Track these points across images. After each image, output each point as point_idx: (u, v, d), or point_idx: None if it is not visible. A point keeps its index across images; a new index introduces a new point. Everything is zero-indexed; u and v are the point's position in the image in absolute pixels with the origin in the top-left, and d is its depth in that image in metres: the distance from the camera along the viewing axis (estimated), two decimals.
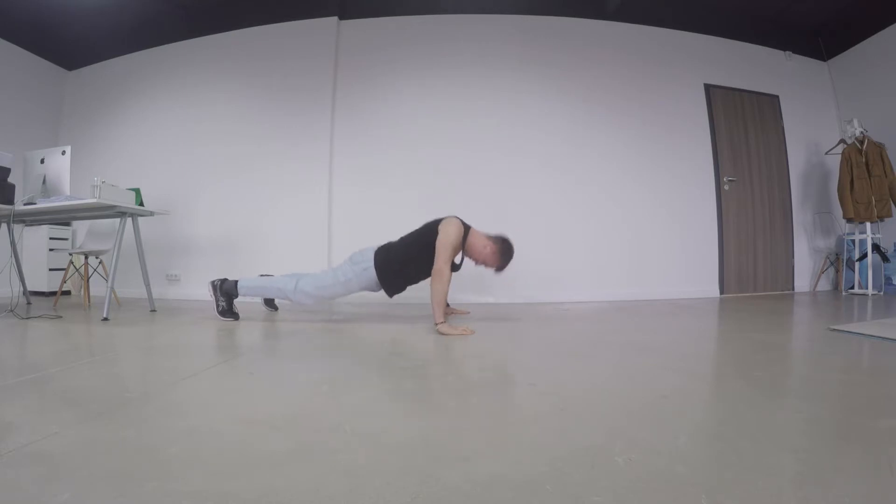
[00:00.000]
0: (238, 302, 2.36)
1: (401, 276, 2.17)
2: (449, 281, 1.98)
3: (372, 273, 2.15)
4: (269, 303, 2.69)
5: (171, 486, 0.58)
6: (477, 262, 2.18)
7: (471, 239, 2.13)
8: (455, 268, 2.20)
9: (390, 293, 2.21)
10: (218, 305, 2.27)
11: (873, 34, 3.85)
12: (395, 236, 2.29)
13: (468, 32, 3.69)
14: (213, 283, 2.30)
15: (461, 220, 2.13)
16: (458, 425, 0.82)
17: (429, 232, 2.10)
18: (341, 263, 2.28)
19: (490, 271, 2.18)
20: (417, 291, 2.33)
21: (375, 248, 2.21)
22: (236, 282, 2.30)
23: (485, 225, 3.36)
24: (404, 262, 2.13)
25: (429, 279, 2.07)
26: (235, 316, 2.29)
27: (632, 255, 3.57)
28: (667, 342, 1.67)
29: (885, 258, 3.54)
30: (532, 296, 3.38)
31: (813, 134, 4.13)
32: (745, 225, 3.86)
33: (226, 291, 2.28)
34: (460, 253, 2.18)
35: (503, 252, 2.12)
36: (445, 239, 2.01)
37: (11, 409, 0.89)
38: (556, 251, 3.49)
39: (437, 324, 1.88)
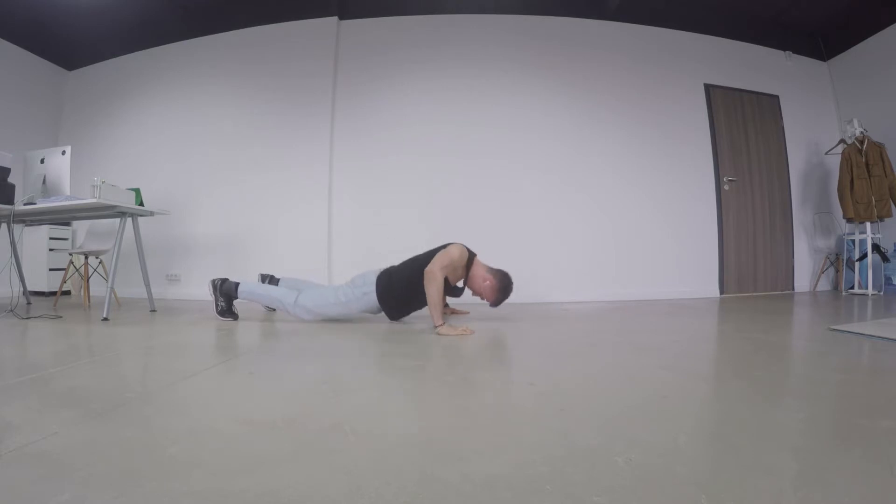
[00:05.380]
0: (237, 302, 2.36)
1: (403, 302, 2.16)
2: (442, 286, 1.96)
3: (373, 297, 2.14)
4: None
5: (171, 486, 0.58)
6: (474, 293, 2.18)
7: (474, 269, 2.14)
8: (457, 292, 2.21)
9: (392, 318, 2.21)
10: (217, 305, 2.27)
11: (873, 34, 3.85)
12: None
13: (469, 32, 3.69)
14: (213, 282, 2.31)
15: (466, 248, 2.14)
16: (458, 425, 0.82)
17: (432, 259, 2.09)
18: (342, 284, 2.27)
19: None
20: None
21: (378, 273, 2.19)
22: (237, 284, 2.30)
23: (486, 224, 3.38)
24: (406, 288, 2.11)
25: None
26: (235, 316, 2.29)
27: (632, 256, 3.57)
28: (666, 342, 1.67)
29: (885, 258, 3.54)
30: (532, 296, 3.38)
31: (813, 134, 4.13)
32: (745, 225, 3.86)
33: (225, 292, 2.28)
34: (462, 280, 2.19)
35: (501, 289, 2.13)
36: (447, 253, 2.03)
37: (11, 409, 0.89)
38: (556, 251, 3.49)
39: (436, 326, 1.87)
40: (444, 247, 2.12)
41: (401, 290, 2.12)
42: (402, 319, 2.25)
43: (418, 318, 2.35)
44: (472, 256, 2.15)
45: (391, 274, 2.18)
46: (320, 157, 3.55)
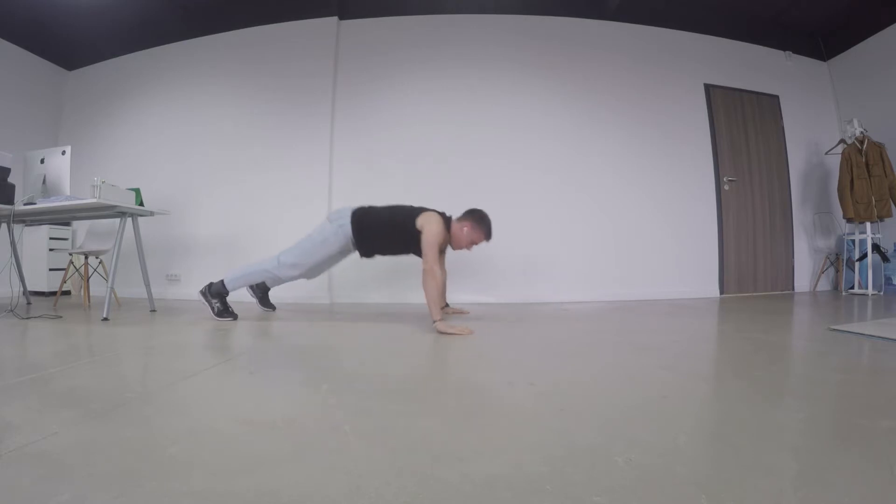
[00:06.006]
0: (236, 303, 2.36)
1: (373, 242, 2.21)
2: (440, 280, 1.97)
3: (348, 230, 2.18)
4: (266, 302, 2.69)
5: (171, 486, 0.58)
6: (468, 247, 2.20)
7: (452, 232, 2.16)
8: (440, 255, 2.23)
9: (362, 253, 2.25)
10: (213, 308, 2.27)
11: (873, 34, 3.85)
12: None
13: (469, 32, 3.69)
14: (200, 291, 2.33)
15: (440, 215, 2.13)
16: (458, 425, 0.82)
17: (408, 219, 2.11)
18: (318, 225, 2.30)
19: (492, 257, 2.22)
20: (416, 291, 2.33)
21: (354, 208, 2.24)
22: (222, 280, 2.30)
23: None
24: (379, 231, 2.17)
25: (397, 255, 2.18)
26: (234, 315, 2.29)
27: (632, 256, 3.57)
28: (666, 342, 1.67)
29: (885, 258, 3.54)
30: (532, 296, 3.38)
31: (813, 134, 4.13)
32: (745, 225, 3.86)
33: (216, 293, 2.29)
34: (447, 244, 2.22)
35: (478, 221, 2.16)
36: (431, 238, 2.01)
37: (11, 409, 0.89)
38: (556, 251, 3.49)
39: (434, 321, 1.88)
40: (418, 213, 2.12)
41: (374, 231, 2.18)
42: (396, 295, 2.28)
43: (417, 319, 2.35)
44: (448, 222, 2.16)
45: (368, 213, 2.21)
46: (320, 157, 3.54)
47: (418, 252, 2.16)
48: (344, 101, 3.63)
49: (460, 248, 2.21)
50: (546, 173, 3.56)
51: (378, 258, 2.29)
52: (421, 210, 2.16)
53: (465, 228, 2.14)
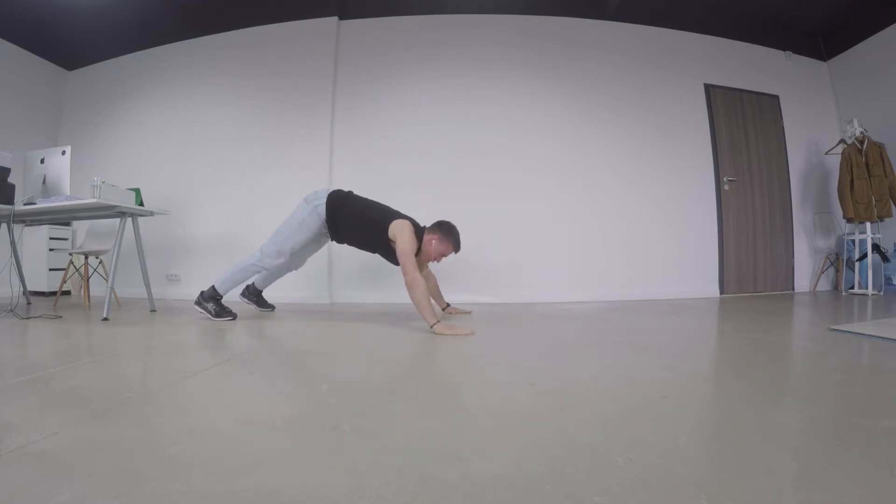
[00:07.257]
0: (235, 304, 2.36)
1: (345, 232, 2.24)
2: (424, 285, 1.95)
3: (322, 211, 2.20)
4: (263, 304, 2.69)
5: (171, 486, 0.58)
6: (437, 259, 2.20)
7: (423, 246, 2.15)
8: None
9: (332, 237, 2.29)
10: (210, 311, 2.27)
11: (873, 34, 3.85)
12: None
13: (469, 32, 3.69)
14: (194, 302, 2.32)
15: (412, 225, 2.13)
16: (458, 425, 0.82)
17: (382, 222, 2.13)
18: (295, 207, 2.32)
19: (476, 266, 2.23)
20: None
21: (331, 191, 2.26)
22: (212, 286, 2.31)
23: (485, 224, 3.38)
24: (352, 223, 2.20)
25: (364, 251, 2.25)
26: (232, 314, 2.28)
27: (632, 256, 3.57)
28: (667, 342, 1.67)
29: (885, 258, 3.54)
30: (532, 296, 3.38)
31: (813, 134, 4.13)
32: (745, 225, 3.86)
33: (208, 297, 2.29)
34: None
35: (446, 234, 2.16)
36: (405, 248, 2.01)
37: (11, 409, 0.89)
38: (556, 251, 3.49)
39: (431, 326, 1.87)
40: (390, 219, 2.13)
41: (346, 224, 2.20)
42: (397, 296, 2.30)
43: (417, 318, 2.35)
44: (420, 230, 2.16)
45: (347, 199, 2.23)
46: (320, 157, 3.54)
47: (384, 255, 2.21)
48: (344, 101, 3.62)
49: (429, 260, 2.21)
50: (546, 173, 3.56)
51: (348, 247, 2.33)
52: (396, 216, 2.17)
53: (434, 241, 2.14)
